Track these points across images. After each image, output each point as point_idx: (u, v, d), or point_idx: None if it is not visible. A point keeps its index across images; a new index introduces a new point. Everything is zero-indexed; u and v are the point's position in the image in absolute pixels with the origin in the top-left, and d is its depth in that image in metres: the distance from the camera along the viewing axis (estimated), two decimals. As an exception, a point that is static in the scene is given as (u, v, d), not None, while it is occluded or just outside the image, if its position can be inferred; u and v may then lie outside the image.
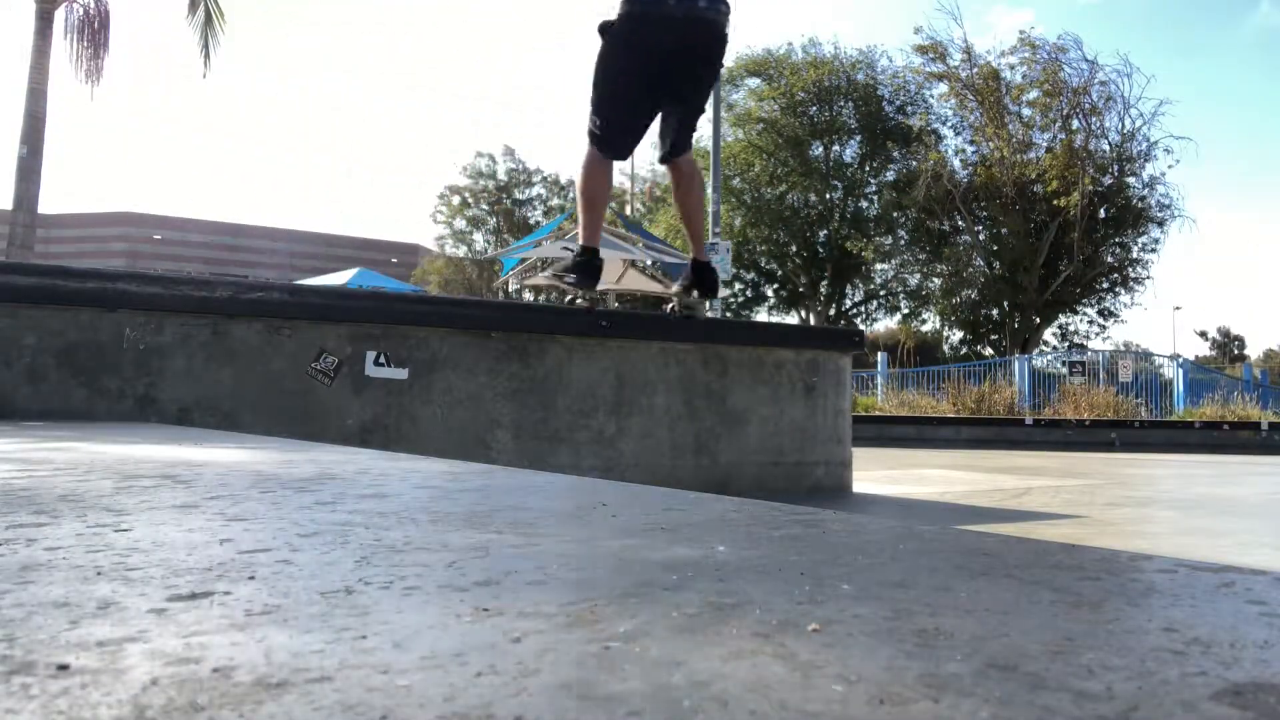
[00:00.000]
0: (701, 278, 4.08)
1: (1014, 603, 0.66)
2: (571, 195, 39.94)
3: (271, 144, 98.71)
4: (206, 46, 14.69)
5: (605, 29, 3.59)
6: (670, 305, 4.32)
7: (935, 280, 27.85)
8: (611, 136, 3.70)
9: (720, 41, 3.62)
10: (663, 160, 3.90)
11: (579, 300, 4.17)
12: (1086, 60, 24.42)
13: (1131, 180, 24.98)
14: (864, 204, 29.13)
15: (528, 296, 21.45)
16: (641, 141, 3.97)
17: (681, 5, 3.46)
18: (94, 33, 14.67)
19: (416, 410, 3.56)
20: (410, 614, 0.60)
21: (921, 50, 25.95)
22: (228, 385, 3.28)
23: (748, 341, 4.49)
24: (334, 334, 3.46)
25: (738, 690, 0.46)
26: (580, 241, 3.84)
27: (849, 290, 30.55)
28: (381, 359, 3.51)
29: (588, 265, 3.80)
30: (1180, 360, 18.60)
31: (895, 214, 27.33)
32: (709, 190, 18.51)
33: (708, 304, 4.46)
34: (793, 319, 30.94)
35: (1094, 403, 14.16)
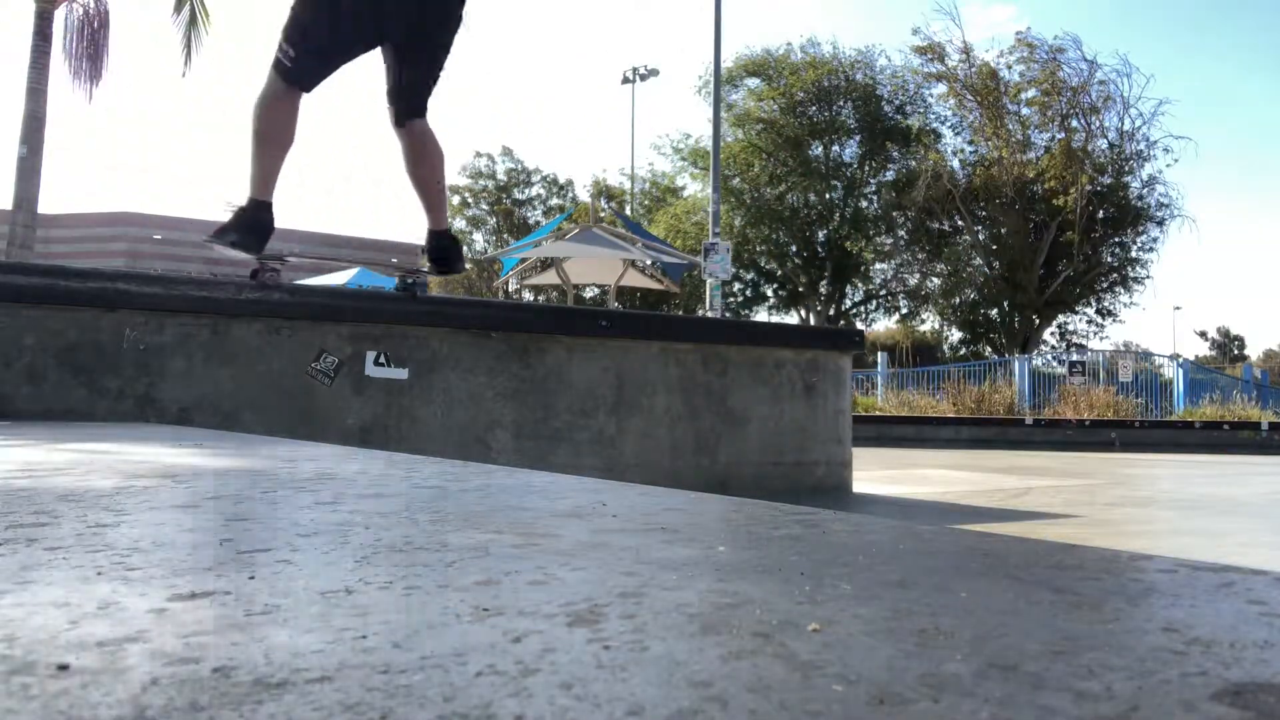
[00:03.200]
0: (439, 248, 3.51)
1: (1014, 603, 0.66)
2: (571, 195, 39.99)
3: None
4: (189, 46, 14.68)
5: None
6: (402, 275, 3.69)
7: (935, 280, 27.87)
8: (305, 64, 3.20)
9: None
10: (395, 124, 3.37)
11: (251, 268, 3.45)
12: (1085, 60, 24.46)
13: (1130, 180, 25.01)
14: (864, 204, 29.12)
15: (528, 296, 21.45)
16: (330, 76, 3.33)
17: None
18: (94, 32, 14.66)
19: (416, 410, 3.56)
20: (410, 614, 0.60)
21: (920, 51, 25.98)
22: (228, 385, 3.28)
23: (748, 341, 4.49)
24: (334, 334, 3.46)
25: (738, 690, 0.45)
26: (249, 194, 3.25)
27: (849, 290, 30.55)
28: (381, 359, 3.51)
29: (255, 222, 3.27)
30: (1180, 360, 18.61)
31: (895, 214, 27.34)
32: (709, 190, 18.45)
33: (423, 282, 3.61)
34: (793, 319, 30.93)
35: (1094, 403, 14.17)
